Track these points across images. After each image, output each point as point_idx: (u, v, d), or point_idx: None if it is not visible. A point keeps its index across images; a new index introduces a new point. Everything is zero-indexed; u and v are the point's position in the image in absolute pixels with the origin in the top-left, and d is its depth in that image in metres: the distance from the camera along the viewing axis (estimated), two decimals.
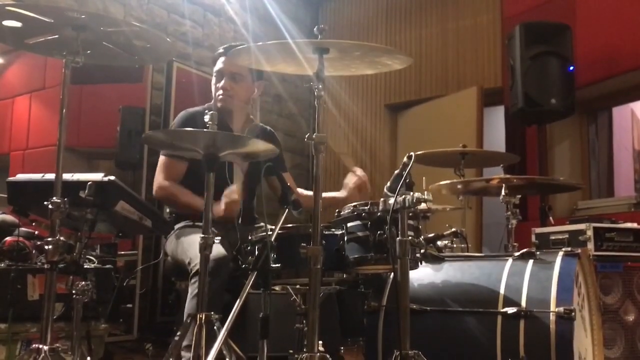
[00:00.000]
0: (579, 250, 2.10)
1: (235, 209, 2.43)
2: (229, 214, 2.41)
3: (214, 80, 2.74)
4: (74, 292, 1.96)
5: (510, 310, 1.94)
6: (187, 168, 2.62)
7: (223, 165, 2.47)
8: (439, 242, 2.71)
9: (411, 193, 1.78)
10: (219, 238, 1.92)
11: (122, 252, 3.75)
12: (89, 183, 1.90)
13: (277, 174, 2.36)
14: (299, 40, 1.82)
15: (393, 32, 5.59)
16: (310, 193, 2.70)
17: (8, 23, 1.81)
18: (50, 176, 1.89)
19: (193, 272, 2.26)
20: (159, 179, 2.63)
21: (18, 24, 1.82)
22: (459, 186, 2.88)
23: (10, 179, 2.13)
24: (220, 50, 2.74)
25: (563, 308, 1.88)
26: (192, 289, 2.23)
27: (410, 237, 1.77)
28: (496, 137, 5.02)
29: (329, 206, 2.42)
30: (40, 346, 1.74)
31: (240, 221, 2.46)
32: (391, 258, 1.79)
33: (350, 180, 2.70)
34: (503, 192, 2.56)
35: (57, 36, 1.84)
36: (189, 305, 2.21)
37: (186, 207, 2.60)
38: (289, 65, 2.00)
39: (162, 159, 2.65)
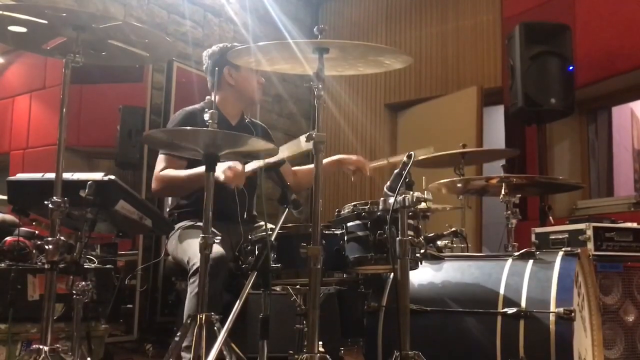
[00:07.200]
0: (579, 250, 2.10)
1: (236, 181, 2.31)
2: (227, 183, 2.29)
3: (247, 73, 2.83)
4: (74, 292, 1.96)
5: (510, 310, 1.94)
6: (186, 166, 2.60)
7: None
8: (439, 242, 2.72)
9: (411, 192, 1.79)
10: (219, 238, 1.92)
11: (122, 252, 3.75)
12: (89, 182, 1.90)
13: (277, 171, 2.35)
14: (299, 40, 1.82)
15: (393, 32, 5.58)
16: (308, 166, 2.92)
17: (13, 29, 1.81)
18: (51, 176, 1.89)
19: (192, 271, 2.26)
20: (157, 171, 2.57)
21: (23, 29, 1.82)
22: (459, 185, 2.87)
23: (10, 178, 2.12)
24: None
25: (563, 308, 1.88)
26: (191, 288, 2.22)
27: (410, 237, 1.76)
28: (496, 137, 5.03)
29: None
30: (41, 347, 1.73)
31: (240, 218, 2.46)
32: (391, 258, 1.79)
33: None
34: (503, 192, 2.56)
35: (65, 39, 1.84)
36: (189, 305, 2.21)
37: (190, 181, 2.49)
38: (289, 65, 2.00)
39: (161, 156, 2.61)
